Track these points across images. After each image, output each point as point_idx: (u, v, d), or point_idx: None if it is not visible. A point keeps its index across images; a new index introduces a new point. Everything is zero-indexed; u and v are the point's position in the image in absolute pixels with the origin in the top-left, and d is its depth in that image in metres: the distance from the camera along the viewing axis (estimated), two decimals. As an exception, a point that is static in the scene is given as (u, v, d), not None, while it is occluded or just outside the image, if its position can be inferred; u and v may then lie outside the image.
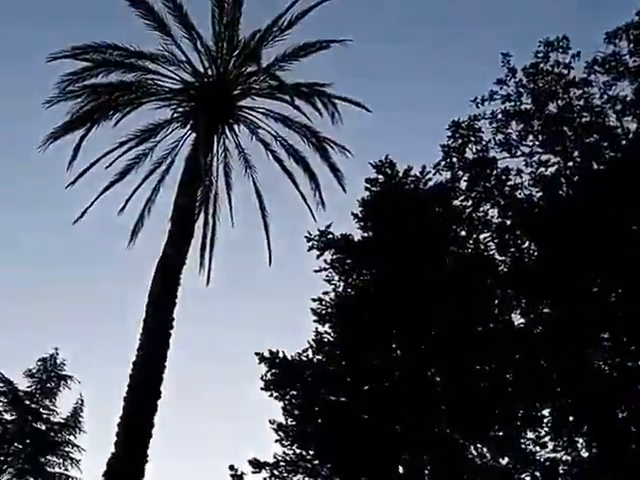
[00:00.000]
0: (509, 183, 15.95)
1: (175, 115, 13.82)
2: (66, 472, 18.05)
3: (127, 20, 13.19)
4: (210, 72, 13.47)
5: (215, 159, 14.47)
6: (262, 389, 14.06)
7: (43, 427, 18.95)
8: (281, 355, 14.44)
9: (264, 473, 13.44)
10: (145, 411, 10.39)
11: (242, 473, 13.21)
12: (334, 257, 15.63)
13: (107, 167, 14.03)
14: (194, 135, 13.81)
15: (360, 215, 15.89)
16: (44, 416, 18.93)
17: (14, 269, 33.80)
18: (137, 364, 10.80)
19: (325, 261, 15.64)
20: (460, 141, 16.45)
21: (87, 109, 12.97)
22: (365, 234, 15.91)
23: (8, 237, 34.43)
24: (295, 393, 14.04)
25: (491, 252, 15.38)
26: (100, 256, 33.74)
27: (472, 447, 13.33)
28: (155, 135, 14.10)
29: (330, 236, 15.62)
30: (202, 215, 14.79)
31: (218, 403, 34.45)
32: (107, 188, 14.10)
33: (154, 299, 11.43)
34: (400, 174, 16.04)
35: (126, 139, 13.85)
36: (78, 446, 18.57)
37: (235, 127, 14.39)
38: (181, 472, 34.04)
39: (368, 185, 16.27)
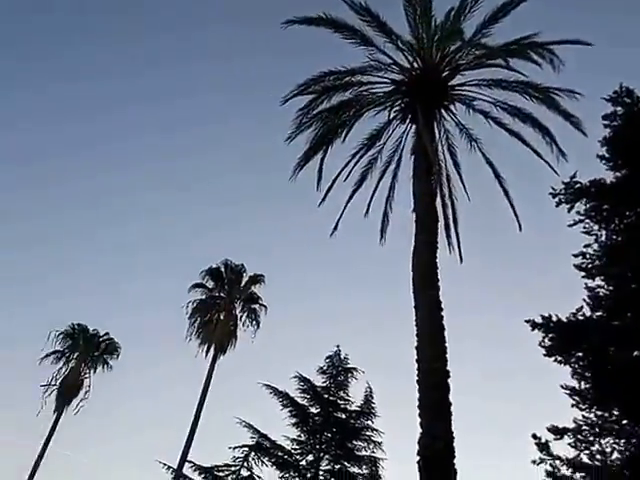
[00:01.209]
0: None
1: (393, 115, 14.58)
2: (373, 454, 20.07)
3: (329, 46, 14.47)
4: (416, 65, 13.93)
5: (439, 143, 14.86)
6: (545, 355, 13.85)
7: (343, 416, 21.36)
8: (554, 319, 14.04)
9: (566, 439, 13.23)
10: (440, 387, 11.11)
11: (547, 441, 13.18)
12: (588, 206, 14.62)
13: (345, 179, 15.49)
14: (414, 127, 14.40)
15: (606, 155, 14.59)
16: (341, 406, 21.36)
17: (300, 281, 39.25)
18: (420, 348, 11.65)
19: (578, 213, 14.76)
20: None
21: (320, 134, 14.48)
22: (617, 173, 14.54)
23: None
24: (581, 355, 13.51)
25: None
26: (355, 259, 36.80)
27: None
28: (379, 139, 15.08)
29: (578, 186, 14.67)
30: (439, 199, 15.31)
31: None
32: (351, 197, 15.53)
33: (419, 285, 12.23)
34: (642, 100, 14.26)
35: (356, 150, 15.10)
36: (377, 429, 20.53)
37: (451, 107, 14.58)
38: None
39: (607, 122, 14.82)
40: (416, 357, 11.64)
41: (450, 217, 15.39)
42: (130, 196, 41.88)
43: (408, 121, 14.55)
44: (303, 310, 42.03)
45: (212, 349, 27.38)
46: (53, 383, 28.84)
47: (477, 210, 16.51)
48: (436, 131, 14.43)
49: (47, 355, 29.34)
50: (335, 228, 15.46)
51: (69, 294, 41.96)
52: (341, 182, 15.47)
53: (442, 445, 10.66)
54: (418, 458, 10.72)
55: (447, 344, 11.58)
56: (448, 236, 15.42)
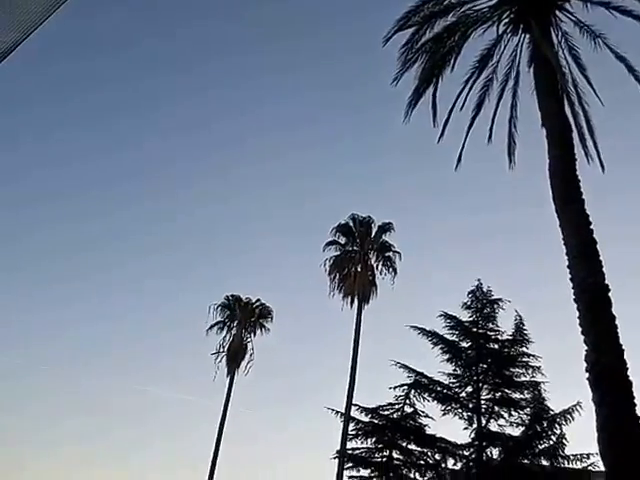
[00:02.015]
0: None
1: (502, 29, 13.84)
2: (533, 379, 19.97)
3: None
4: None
5: (558, 48, 13.86)
6: None
7: (495, 346, 21.39)
8: None
9: None
10: (601, 302, 10.77)
11: None
12: None
13: (461, 108, 15.09)
14: (528, 37, 13.57)
15: None
16: (492, 337, 21.37)
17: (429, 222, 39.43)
18: (573, 265, 11.30)
19: None
20: None
21: (427, 67, 14.20)
22: None
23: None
24: None
25: None
26: (485, 187, 35.86)
27: None
28: (491, 58, 14.42)
29: None
30: (568, 108, 14.37)
31: None
32: (470, 125, 15.13)
33: (560, 201, 11.78)
34: None
35: (468, 75, 14.60)
36: (533, 355, 20.33)
37: (566, 6, 13.48)
38: None
39: None
40: (569, 276, 11.34)
41: (584, 125, 14.40)
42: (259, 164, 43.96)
43: (520, 32, 13.72)
44: (436, 251, 41.83)
45: (355, 300, 28.55)
46: (221, 350, 32.12)
47: (612, 113, 15.25)
48: (553, 35, 13.47)
49: (211, 327, 32.67)
50: (459, 160, 15.20)
51: (218, 267, 45.70)
52: (457, 114, 15.12)
53: (612, 358, 10.42)
54: (587, 375, 10.58)
55: (602, 258, 11.13)
56: (584, 146, 14.49)
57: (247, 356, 32.22)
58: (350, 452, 22.41)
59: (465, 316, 21.71)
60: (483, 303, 21.71)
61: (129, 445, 43.28)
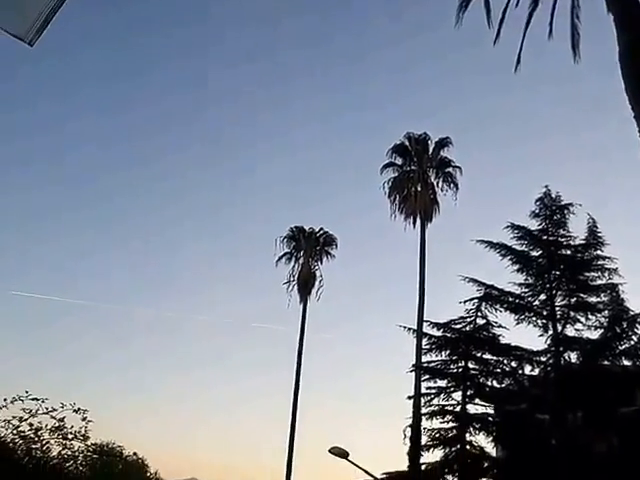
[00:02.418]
0: None
1: None
2: (610, 281, 19.53)
3: None
4: None
5: None
6: None
7: (568, 252, 20.92)
8: None
9: None
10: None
11: None
12: None
13: (517, 4, 14.07)
14: None
15: None
16: (564, 243, 20.87)
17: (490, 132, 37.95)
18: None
19: None
20: None
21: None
22: None
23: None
24: None
25: None
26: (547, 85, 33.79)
27: None
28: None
29: None
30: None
31: None
32: (528, 22, 14.11)
33: (635, 91, 10.98)
34: None
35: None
36: (609, 257, 19.77)
37: None
38: None
39: None
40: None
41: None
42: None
43: None
44: (498, 161, 40.37)
45: (418, 220, 28.39)
46: (292, 280, 33.31)
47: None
48: None
49: (279, 258, 33.73)
50: (518, 61, 14.34)
51: (280, 198, 46.37)
52: (513, 12, 14.11)
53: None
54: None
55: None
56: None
57: (317, 283, 33.27)
58: (426, 365, 23.13)
59: (534, 225, 21.24)
60: (552, 210, 21.05)
61: (211, 378, 46.31)
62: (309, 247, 34.07)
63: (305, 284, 33.01)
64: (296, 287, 33.18)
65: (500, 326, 21.82)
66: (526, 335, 20.81)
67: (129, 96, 45.82)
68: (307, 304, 32.79)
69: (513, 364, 21.38)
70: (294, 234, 34.47)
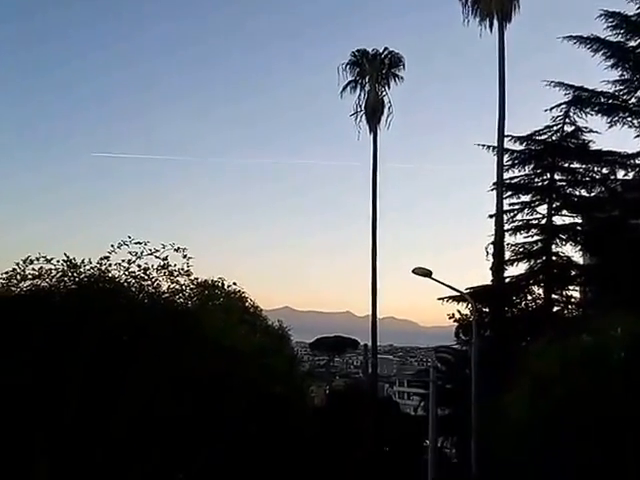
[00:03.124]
0: None
1: None
2: None
3: None
4: None
5: None
6: None
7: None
8: None
9: None
10: None
11: None
12: None
13: None
14: None
15: None
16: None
17: None
18: None
19: None
20: None
21: None
22: None
23: None
24: None
25: None
26: None
27: None
28: None
29: None
30: None
31: None
32: None
33: None
34: None
35: None
36: None
37: None
38: None
39: None
40: None
41: None
42: None
43: None
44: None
45: (495, 21, 25.16)
46: (359, 110, 31.74)
47: None
48: None
49: (344, 88, 31.82)
50: None
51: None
52: None
53: None
54: None
55: None
56: None
57: (385, 110, 31.56)
58: (508, 182, 22.28)
59: (632, 9, 18.28)
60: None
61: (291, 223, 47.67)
62: (374, 71, 31.74)
63: (373, 112, 31.45)
64: (364, 117, 31.76)
65: (591, 131, 20.27)
66: (620, 138, 19.26)
67: None
68: (377, 134, 31.59)
69: (604, 170, 20.15)
70: (357, 59, 31.98)
